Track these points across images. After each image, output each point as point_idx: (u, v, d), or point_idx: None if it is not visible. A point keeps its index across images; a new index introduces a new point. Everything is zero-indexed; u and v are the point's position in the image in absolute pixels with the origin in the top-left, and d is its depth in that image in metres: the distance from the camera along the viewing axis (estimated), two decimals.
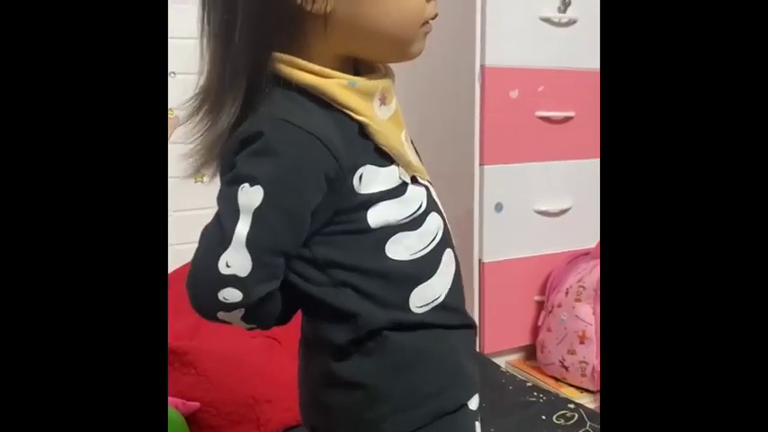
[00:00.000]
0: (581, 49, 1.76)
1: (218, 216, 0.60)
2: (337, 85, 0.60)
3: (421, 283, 0.64)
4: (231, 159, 0.59)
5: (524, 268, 1.78)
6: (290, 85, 0.60)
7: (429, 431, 0.64)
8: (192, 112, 0.63)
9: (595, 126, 1.78)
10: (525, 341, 1.83)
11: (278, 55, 0.60)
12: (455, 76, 1.67)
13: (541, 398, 1.52)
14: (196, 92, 0.63)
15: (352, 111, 0.60)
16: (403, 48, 0.64)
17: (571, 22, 1.73)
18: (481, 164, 1.66)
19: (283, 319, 0.67)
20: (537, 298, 1.82)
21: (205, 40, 0.63)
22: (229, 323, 0.62)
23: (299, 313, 1.75)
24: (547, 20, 1.70)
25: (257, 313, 0.62)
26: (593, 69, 1.79)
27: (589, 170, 1.84)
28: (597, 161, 1.83)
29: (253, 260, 0.58)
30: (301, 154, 0.58)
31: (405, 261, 0.64)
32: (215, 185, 0.64)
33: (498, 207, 1.70)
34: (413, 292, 0.64)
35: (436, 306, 0.65)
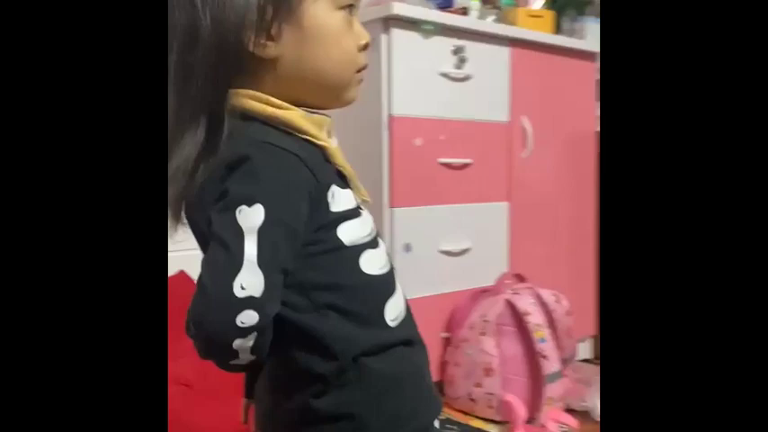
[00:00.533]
0: (475, 101, 1.92)
1: (219, 242, 0.59)
2: (297, 116, 0.66)
3: (391, 296, 0.69)
4: (219, 187, 0.61)
5: (431, 306, 1.86)
6: (253, 117, 0.65)
7: None
8: None
9: (491, 172, 1.95)
10: (433, 377, 1.89)
11: (241, 91, 0.65)
12: (365, 125, 1.77)
13: (455, 429, 1.59)
14: None
15: (313, 137, 0.66)
16: (340, 93, 0.71)
17: (467, 78, 1.89)
18: (391, 206, 1.75)
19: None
20: (443, 334, 1.90)
21: None
22: (234, 357, 0.60)
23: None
24: (445, 75, 1.85)
25: (264, 340, 0.61)
26: (485, 120, 1.96)
27: (486, 212, 1.98)
28: (493, 204, 2.00)
29: (265, 279, 0.58)
30: (288, 172, 0.62)
31: (377, 275, 0.68)
32: None
33: (407, 247, 1.79)
34: (386, 305, 0.68)
35: (402, 321, 0.70)
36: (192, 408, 1.39)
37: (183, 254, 2.01)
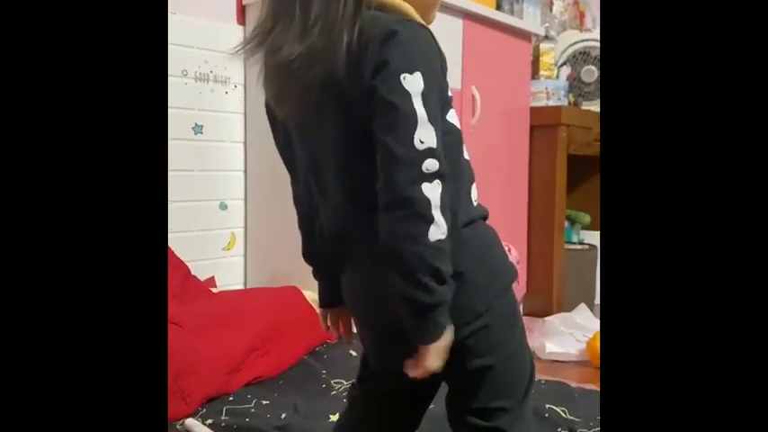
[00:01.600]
0: None
1: (391, 107, 0.67)
2: (413, 10, 0.75)
3: (474, 180, 0.80)
4: (375, 58, 0.69)
5: None
6: (384, 6, 0.74)
7: (502, 300, 0.78)
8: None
9: None
10: None
11: None
12: None
13: None
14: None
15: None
16: (431, 10, 0.82)
17: None
18: None
19: None
20: None
21: None
22: (430, 219, 0.66)
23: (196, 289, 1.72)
24: None
25: (446, 188, 0.68)
26: None
27: None
28: None
29: (435, 132, 0.67)
30: (431, 45, 0.72)
31: (467, 161, 0.79)
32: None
33: None
34: (472, 188, 0.79)
35: (478, 202, 0.80)
36: (184, 344, 1.41)
37: None
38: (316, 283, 0.91)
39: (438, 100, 0.71)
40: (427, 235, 0.67)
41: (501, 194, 2.40)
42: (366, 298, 0.81)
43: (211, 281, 2.04)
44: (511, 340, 0.80)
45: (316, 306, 1.79)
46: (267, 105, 0.82)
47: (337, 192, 0.76)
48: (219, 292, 1.87)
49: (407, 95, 0.67)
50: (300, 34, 0.71)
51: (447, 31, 2.10)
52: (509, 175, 2.43)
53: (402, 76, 0.68)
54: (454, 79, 2.14)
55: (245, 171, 2.13)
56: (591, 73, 2.69)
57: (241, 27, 2.09)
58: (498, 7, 2.43)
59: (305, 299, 1.74)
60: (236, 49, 0.76)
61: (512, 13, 2.46)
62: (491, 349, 0.77)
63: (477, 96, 2.21)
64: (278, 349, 1.57)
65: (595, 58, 2.68)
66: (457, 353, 0.74)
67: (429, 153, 0.67)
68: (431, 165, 0.67)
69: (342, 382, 1.49)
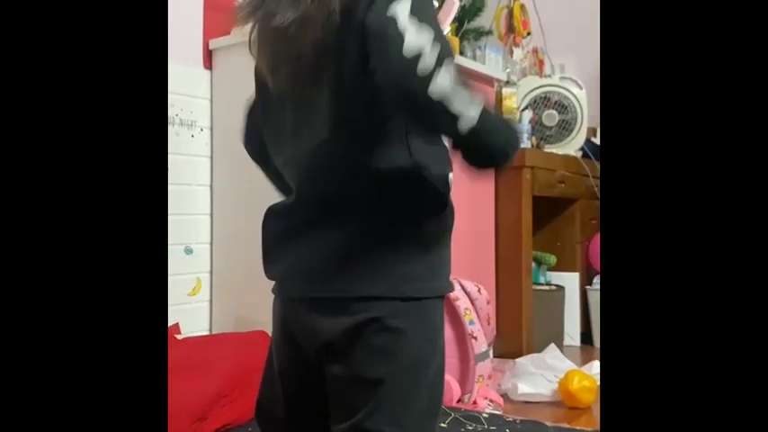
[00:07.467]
0: None
1: (379, 35, 0.67)
2: None
3: (451, 171, 0.85)
4: (366, 2, 0.69)
5: None
6: None
7: (431, 303, 0.75)
8: None
9: None
10: None
11: None
12: None
13: None
14: None
15: None
16: None
17: None
18: None
19: None
20: None
21: None
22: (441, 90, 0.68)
23: None
24: None
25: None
26: None
27: None
28: None
29: (428, 36, 0.67)
30: None
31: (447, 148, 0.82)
32: None
33: None
34: (449, 176, 0.86)
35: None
36: None
37: None
38: None
39: (433, 19, 0.69)
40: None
41: (468, 236, 2.41)
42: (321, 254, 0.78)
43: (176, 327, 1.98)
44: (423, 351, 0.73)
45: None
46: (257, 74, 0.81)
47: (324, 157, 0.76)
48: (184, 339, 1.82)
49: (392, 20, 0.66)
50: (293, 0, 0.72)
51: None
52: (476, 217, 2.45)
53: (388, 8, 0.67)
54: None
55: (212, 215, 2.10)
56: (552, 117, 2.76)
57: (208, 71, 2.09)
58: (461, 53, 2.49)
59: None
60: (234, 15, 0.77)
61: (474, 58, 2.52)
62: (393, 354, 0.71)
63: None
64: (246, 396, 1.52)
65: (555, 102, 2.76)
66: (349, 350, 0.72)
67: (417, 60, 0.66)
68: (423, 68, 0.66)
69: None
